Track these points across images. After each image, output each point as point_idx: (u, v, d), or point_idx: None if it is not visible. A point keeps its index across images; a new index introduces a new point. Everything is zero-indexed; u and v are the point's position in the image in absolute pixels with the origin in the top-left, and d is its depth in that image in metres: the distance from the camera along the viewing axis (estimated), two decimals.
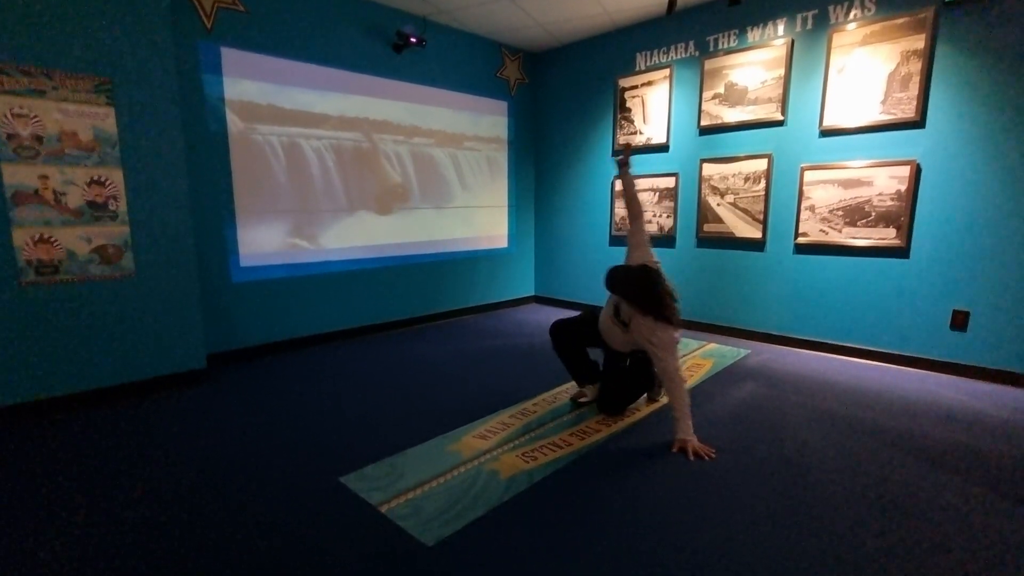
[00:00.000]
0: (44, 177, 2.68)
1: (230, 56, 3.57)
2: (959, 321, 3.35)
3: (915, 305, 3.52)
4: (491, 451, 2.37)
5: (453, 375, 3.48)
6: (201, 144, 3.49)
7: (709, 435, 2.52)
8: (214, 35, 3.48)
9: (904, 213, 3.46)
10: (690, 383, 3.28)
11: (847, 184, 3.68)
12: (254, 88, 3.71)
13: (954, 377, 3.37)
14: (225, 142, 3.62)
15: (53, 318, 2.77)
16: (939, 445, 2.42)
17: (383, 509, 1.90)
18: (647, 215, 4.82)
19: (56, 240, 2.74)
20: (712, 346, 4.16)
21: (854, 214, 3.67)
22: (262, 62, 3.72)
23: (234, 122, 3.64)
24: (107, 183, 2.87)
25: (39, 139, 2.66)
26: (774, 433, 2.55)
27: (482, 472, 2.17)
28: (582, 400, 2.96)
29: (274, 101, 3.82)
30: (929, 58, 3.29)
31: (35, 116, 2.64)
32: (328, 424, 2.63)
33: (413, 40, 4.31)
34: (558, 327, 2.93)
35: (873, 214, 3.59)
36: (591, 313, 2.91)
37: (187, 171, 3.20)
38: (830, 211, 3.78)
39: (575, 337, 2.90)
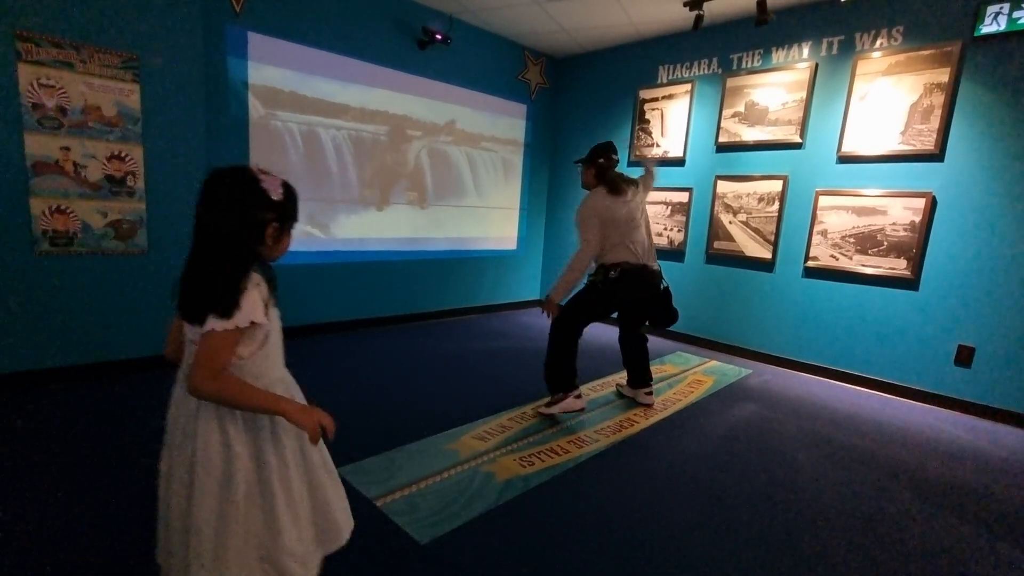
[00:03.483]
0: (66, 149, 2.71)
1: (256, 41, 3.60)
2: (964, 357, 3.34)
3: (920, 337, 3.51)
4: (489, 453, 2.38)
5: (455, 373, 3.49)
6: (222, 127, 3.51)
7: (706, 453, 2.52)
8: (242, 19, 3.50)
9: (916, 245, 3.46)
10: (690, 398, 3.29)
11: (861, 211, 3.67)
12: (277, 74, 3.73)
13: (955, 413, 3.36)
14: (245, 126, 3.64)
15: (64, 289, 2.80)
16: (935, 480, 2.41)
17: (379, 504, 1.91)
18: (657, 228, 4.82)
19: (73, 212, 2.77)
20: (714, 363, 4.15)
21: (866, 242, 3.66)
22: (287, 49, 3.75)
23: (255, 107, 3.67)
24: (127, 159, 2.90)
25: (63, 111, 2.68)
26: (770, 455, 2.55)
27: (478, 473, 2.18)
28: (573, 408, 2.82)
29: (296, 88, 3.84)
30: (953, 92, 3.28)
31: (61, 88, 2.66)
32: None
33: (439, 37, 4.33)
34: (570, 321, 2.82)
35: (885, 243, 3.58)
36: (595, 271, 2.90)
37: (206, 153, 3.22)
38: (842, 237, 3.77)
39: (584, 323, 2.84)
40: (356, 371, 3.39)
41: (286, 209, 1.08)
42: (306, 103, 3.92)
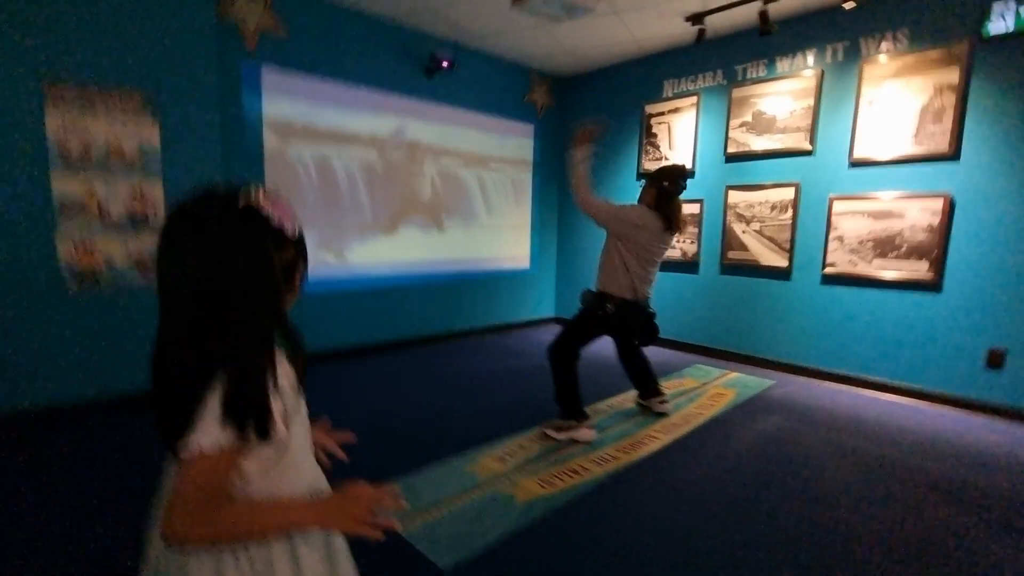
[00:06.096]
0: (90, 189, 2.81)
1: (270, 76, 3.71)
2: (995, 360, 3.24)
3: (948, 341, 3.41)
4: (508, 474, 2.35)
5: (471, 394, 3.48)
6: (238, 160, 3.61)
7: (730, 468, 2.47)
8: (256, 56, 3.63)
9: (936, 246, 3.39)
10: (711, 412, 3.23)
11: (877, 215, 3.62)
12: (291, 107, 3.84)
13: (989, 418, 3.24)
14: (261, 159, 3.74)
15: (91, 324, 2.87)
16: (974, 491, 2.32)
17: (399, 529, 1.90)
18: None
19: (98, 250, 2.85)
20: (735, 375, 4.08)
21: (884, 246, 3.60)
22: (300, 82, 3.86)
23: (270, 139, 3.77)
24: (147, 196, 2.99)
25: (88, 152, 2.79)
26: (798, 470, 2.48)
27: (498, 496, 2.16)
28: (581, 439, 2.72)
29: (309, 119, 3.95)
30: (963, 92, 3.24)
31: (86, 130, 2.77)
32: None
33: (445, 64, 4.42)
34: (565, 347, 2.79)
35: (904, 246, 3.52)
36: (591, 301, 2.82)
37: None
38: (859, 242, 3.71)
39: (580, 346, 2.80)
40: (371, 395, 3.41)
41: (301, 239, 0.82)
42: (319, 133, 4.02)
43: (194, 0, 3.07)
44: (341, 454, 1.06)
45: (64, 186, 2.73)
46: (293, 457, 0.80)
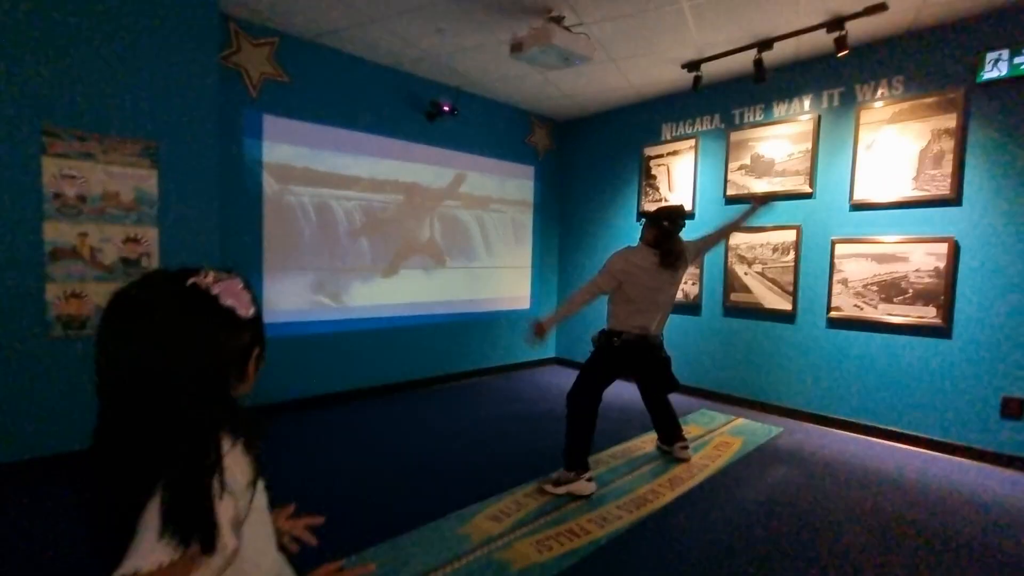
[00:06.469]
0: (83, 235, 2.78)
1: (271, 122, 3.75)
2: (1013, 408, 3.11)
3: (961, 389, 3.29)
4: (503, 536, 2.22)
5: (467, 443, 3.35)
6: (236, 204, 3.61)
7: (740, 528, 2.33)
8: (259, 103, 3.67)
9: (943, 291, 3.31)
10: (718, 464, 3.09)
11: (881, 259, 3.56)
12: (291, 152, 3.87)
13: (1008, 471, 3.09)
14: (259, 203, 3.74)
15: (77, 372, 2.79)
16: (1006, 556, 2.17)
17: None
18: None
19: (87, 295, 2.81)
20: (741, 421, 3.94)
21: (890, 290, 3.53)
22: (301, 128, 3.90)
23: (270, 184, 3.78)
24: (142, 241, 2.96)
25: (83, 199, 2.78)
26: (814, 534, 2.33)
27: (492, 562, 2.03)
28: (580, 493, 2.60)
29: (309, 164, 3.97)
30: (962, 137, 3.24)
31: (82, 177, 2.77)
32: (333, 492, 2.53)
33: (446, 109, 4.48)
34: (585, 391, 2.75)
35: (910, 291, 3.45)
36: (599, 339, 2.84)
37: (219, 231, 3.29)
38: (864, 286, 3.65)
39: (600, 389, 2.78)
40: (364, 444, 3.28)
41: (258, 321, 0.75)
42: (318, 177, 4.03)
43: (199, 49, 3.12)
44: (310, 539, 0.97)
45: (56, 232, 2.71)
46: (249, 558, 0.72)
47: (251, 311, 0.72)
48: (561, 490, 2.62)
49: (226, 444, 0.66)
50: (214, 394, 0.66)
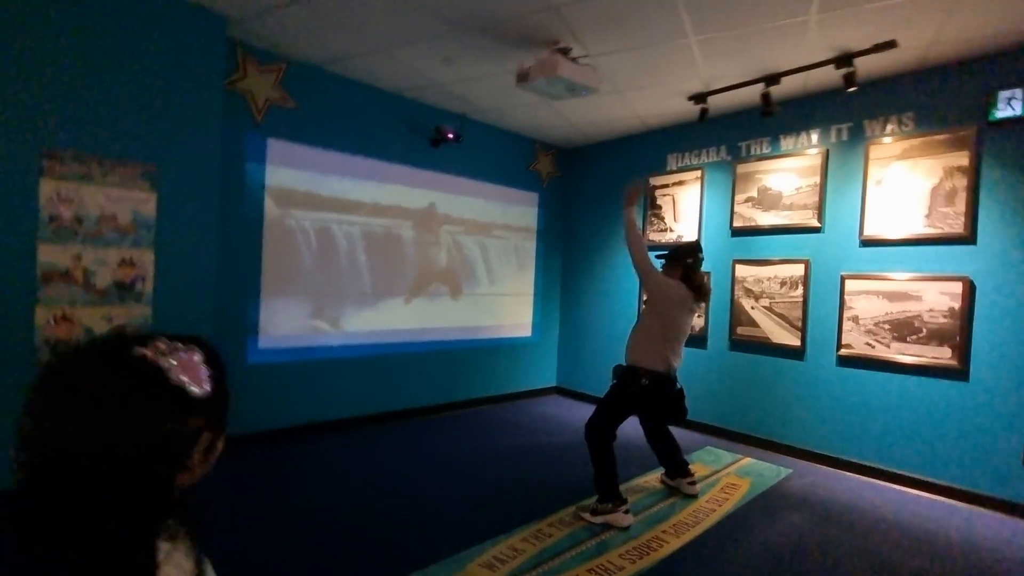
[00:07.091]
0: (77, 257, 2.73)
1: (275, 147, 3.74)
2: None
3: (979, 434, 3.16)
4: None
5: (465, 478, 3.22)
6: (236, 227, 3.56)
7: None
8: (263, 128, 3.66)
9: (959, 332, 3.21)
10: (726, 508, 2.95)
11: (893, 296, 3.47)
12: (294, 176, 3.84)
13: None
14: (260, 227, 3.70)
15: None
16: None
17: None
18: None
19: (77, 319, 2.74)
20: (749, 461, 3.80)
21: (903, 328, 3.43)
22: (305, 152, 3.88)
23: (271, 208, 3.74)
24: (137, 264, 2.91)
25: (79, 221, 2.73)
26: None
27: None
28: (619, 524, 2.63)
29: (311, 188, 3.94)
30: (975, 175, 3.18)
31: (79, 200, 2.73)
32: (322, 533, 2.41)
33: (451, 136, 4.47)
34: (605, 426, 2.78)
35: (924, 330, 3.34)
36: (625, 376, 2.83)
37: (217, 255, 3.24)
38: (875, 323, 3.55)
39: (616, 424, 2.81)
40: (357, 478, 3.16)
41: (218, 402, 0.63)
42: (321, 201, 4.00)
43: (205, 75, 3.12)
44: None
45: (50, 254, 2.65)
46: None
47: (206, 388, 0.61)
48: (599, 519, 2.65)
49: (163, 549, 0.56)
50: (150, 488, 0.55)
